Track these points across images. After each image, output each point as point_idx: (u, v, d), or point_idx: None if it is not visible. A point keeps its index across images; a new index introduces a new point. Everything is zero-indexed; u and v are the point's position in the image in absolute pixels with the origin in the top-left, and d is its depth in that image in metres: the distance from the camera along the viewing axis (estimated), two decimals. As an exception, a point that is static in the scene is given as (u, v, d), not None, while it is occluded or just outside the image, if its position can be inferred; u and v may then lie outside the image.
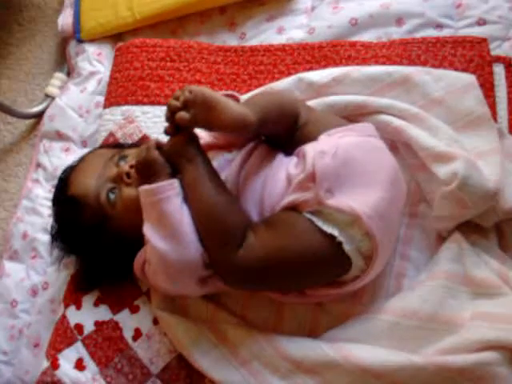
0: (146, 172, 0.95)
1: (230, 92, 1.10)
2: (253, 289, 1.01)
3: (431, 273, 0.96)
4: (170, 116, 0.93)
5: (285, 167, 0.98)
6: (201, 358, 0.99)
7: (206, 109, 0.89)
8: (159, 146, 0.97)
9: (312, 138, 0.99)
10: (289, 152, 1.04)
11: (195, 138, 0.96)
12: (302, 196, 0.91)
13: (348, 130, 1.00)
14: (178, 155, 0.94)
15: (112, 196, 1.02)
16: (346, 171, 0.91)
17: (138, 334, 1.08)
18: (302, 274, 0.92)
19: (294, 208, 0.93)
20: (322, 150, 0.93)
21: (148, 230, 0.93)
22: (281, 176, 0.97)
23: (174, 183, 0.93)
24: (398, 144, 1.09)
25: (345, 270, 0.91)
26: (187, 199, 0.93)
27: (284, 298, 1.00)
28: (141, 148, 1.00)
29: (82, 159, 1.14)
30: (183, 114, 0.90)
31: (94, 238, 1.05)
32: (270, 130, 1.00)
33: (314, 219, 0.90)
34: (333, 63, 1.22)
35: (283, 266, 0.90)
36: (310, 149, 0.95)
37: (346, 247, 0.88)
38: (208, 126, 0.93)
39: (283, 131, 1.01)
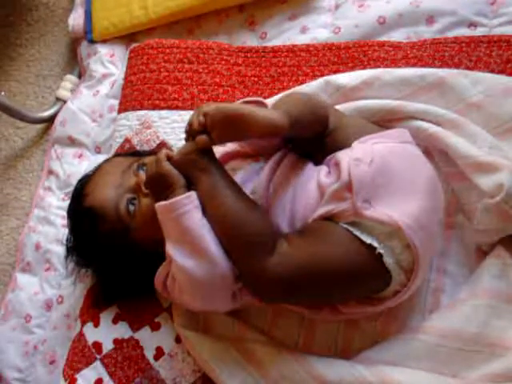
0: (160, 186, 0.90)
1: (254, 98, 1.05)
2: (285, 301, 0.96)
3: (473, 290, 0.92)
4: (190, 134, 0.90)
5: (315, 176, 0.94)
6: (227, 379, 0.96)
7: (230, 125, 0.85)
8: (169, 157, 0.92)
9: (343, 145, 0.94)
10: (318, 160, 0.99)
11: (206, 145, 0.90)
12: (338, 207, 0.87)
13: (382, 136, 0.96)
14: (189, 166, 0.90)
15: (132, 207, 0.98)
16: (383, 180, 0.86)
17: (159, 353, 1.04)
18: (337, 285, 0.87)
19: (328, 218, 0.88)
20: (357, 157, 0.88)
21: (171, 248, 0.89)
22: (312, 186, 0.93)
23: (192, 196, 0.88)
24: (432, 151, 1.04)
25: (384, 284, 0.87)
26: (205, 211, 0.89)
27: (317, 314, 0.96)
28: (150, 161, 0.96)
29: (98, 168, 1.10)
30: (203, 138, 0.87)
31: (113, 251, 1.02)
32: (300, 135, 0.95)
33: (352, 229, 0.85)
34: (360, 65, 1.18)
35: (319, 275, 0.85)
36: (343, 156, 0.90)
37: (387, 260, 0.84)
38: (237, 140, 0.89)
39: (313, 136, 0.96)
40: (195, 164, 0.89)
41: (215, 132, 0.86)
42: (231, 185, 0.90)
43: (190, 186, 0.90)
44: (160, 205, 0.89)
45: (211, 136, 0.86)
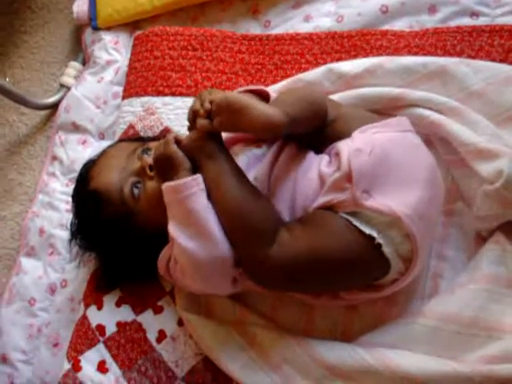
0: (165, 168, 0.92)
1: (257, 87, 1.06)
2: (285, 289, 0.97)
3: (472, 275, 0.93)
4: (193, 120, 0.92)
5: (316, 165, 0.95)
6: (229, 362, 0.97)
7: (233, 114, 0.86)
8: (178, 140, 0.93)
9: (343, 134, 0.95)
10: (318, 149, 1.00)
11: (215, 133, 0.92)
12: (338, 197, 0.88)
13: (383, 125, 0.96)
14: (197, 151, 0.91)
15: (136, 191, 0.99)
16: (383, 170, 0.88)
17: (162, 336, 1.06)
18: (337, 275, 0.88)
19: (328, 208, 0.89)
20: (357, 147, 0.89)
21: (174, 229, 0.90)
22: (313, 175, 0.94)
23: (198, 178, 0.90)
24: (433, 139, 1.05)
25: (383, 273, 0.88)
26: (210, 196, 0.90)
27: (316, 300, 0.98)
28: (159, 143, 0.97)
29: (102, 153, 1.11)
30: (204, 122, 0.89)
31: (117, 235, 1.03)
32: (300, 129, 0.96)
33: (352, 219, 0.86)
34: (363, 53, 1.18)
35: (319, 265, 0.86)
36: (344, 147, 0.91)
37: (386, 249, 0.85)
38: (237, 130, 0.91)
39: (313, 129, 0.97)
40: (202, 150, 0.91)
41: (218, 119, 0.87)
42: (237, 173, 0.91)
43: (195, 171, 0.91)
44: (166, 185, 0.90)
45: (213, 122, 0.88)
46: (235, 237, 0.89)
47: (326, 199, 0.89)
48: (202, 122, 0.89)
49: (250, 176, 0.95)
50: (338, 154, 0.91)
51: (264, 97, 1.04)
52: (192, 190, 0.88)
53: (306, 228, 0.88)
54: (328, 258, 0.85)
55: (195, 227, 0.88)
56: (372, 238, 0.85)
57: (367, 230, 0.85)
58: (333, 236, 0.86)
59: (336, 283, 0.92)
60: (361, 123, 0.96)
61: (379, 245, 0.85)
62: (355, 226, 0.86)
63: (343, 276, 0.89)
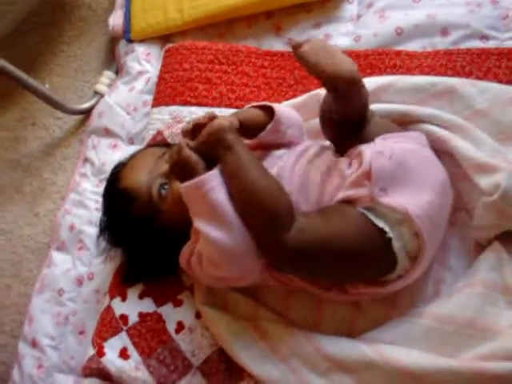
0: (182, 172, 0.96)
1: (263, 103, 1.11)
2: (299, 273, 0.99)
3: (469, 280, 0.97)
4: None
5: (338, 166, 1.00)
6: (241, 353, 1.02)
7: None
8: (189, 146, 0.96)
9: (369, 139, 1.01)
10: (341, 152, 1.06)
11: (231, 125, 0.96)
12: (357, 192, 0.93)
13: (403, 136, 1.03)
14: (214, 144, 0.95)
15: (163, 191, 1.05)
16: (400, 173, 0.94)
17: (180, 327, 1.11)
18: (348, 264, 0.93)
19: (347, 203, 0.95)
20: (379, 150, 0.95)
21: (199, 224, 0.94)
22: (335, 174, 0.99)
23: (215, 173, 0.93)
24: (439, 153, 1.09)
25: (389, 268, 0.93)
26: (229, 186, 0.94)
27: (325, 294, 1.02)
28: (172, 149, 1.00)
29: (132, 156, 1.18)
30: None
31: (142, 231, 1.08)
32: (349, 109, 1.02)
33: (367, 213, 0.92)
34: (378, 71, 1.24)
35: (332, 251, 0.91)
36: (366, 149, 0.97)
37: (395, 244, 0.90)
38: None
39: (350, 121, 1.03)
40: (220, 142, 0.94)
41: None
42: (255, 162, 0.95)
43: (212, 167, 0.95)
44: (186, 184, 0.93)
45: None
46: (254, 223, 0.92)
47: (346, 194, 0.94)
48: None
49: (273, 173, 0.99)
50: (359, 155, 0.97)
51: (269, 111, 1.08)
52: (211, 184, 0.92)
53: (323, 216, 0.93)
54: (341, 245, 0.90)
55: (220, 217, 0.92)
56: (383, 232, 0.90)
57: (380, 224, 0.90)
58: (348, 225, 0.91)
59: (346, 272, 0.96)
60: (386, 132, 1.02)
61: (389, 239, 0.90)
62: (369, 220, 0.91)
63: (353, 265, 0.94)
